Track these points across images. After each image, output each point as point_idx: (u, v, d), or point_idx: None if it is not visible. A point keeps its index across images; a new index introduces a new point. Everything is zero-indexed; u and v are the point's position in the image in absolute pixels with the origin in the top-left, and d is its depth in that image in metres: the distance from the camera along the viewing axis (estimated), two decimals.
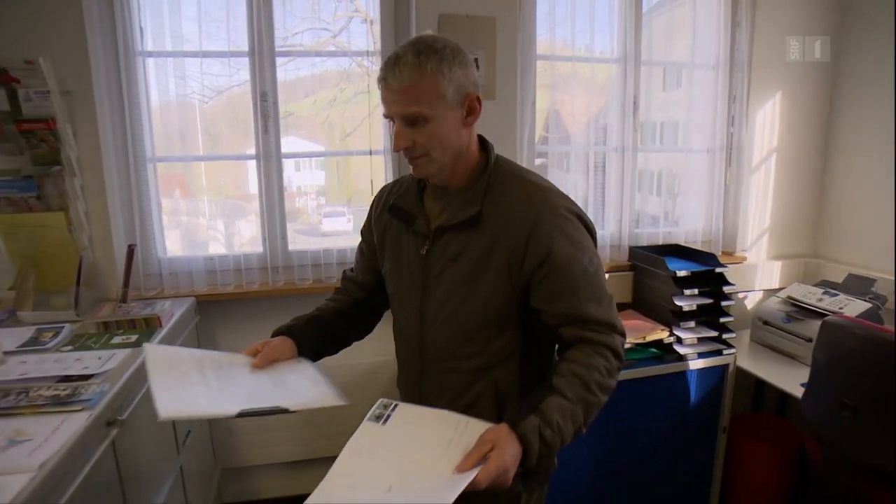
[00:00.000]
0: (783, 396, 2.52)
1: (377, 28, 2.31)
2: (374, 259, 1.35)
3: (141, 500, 1.56)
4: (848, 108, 2.64)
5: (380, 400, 1.05)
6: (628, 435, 2.21)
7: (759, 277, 2.75)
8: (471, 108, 1.11)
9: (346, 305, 1.38)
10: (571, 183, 2.63)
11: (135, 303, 2.01)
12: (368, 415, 1.02)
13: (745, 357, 2.35)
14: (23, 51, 1.87)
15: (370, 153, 2.33)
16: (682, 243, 2.62)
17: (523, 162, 2.38)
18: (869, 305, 2.16)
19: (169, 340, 1.83)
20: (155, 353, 1.12)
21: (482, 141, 1.22)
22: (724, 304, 2.28)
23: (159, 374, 1.04)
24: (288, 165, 2.39)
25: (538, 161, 2.52)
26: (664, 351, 2.24)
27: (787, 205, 2.76)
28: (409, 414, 1.03)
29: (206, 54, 2.14)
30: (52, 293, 1.97)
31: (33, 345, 1.67)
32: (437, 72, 1.04)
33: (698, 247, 2.62)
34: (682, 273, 2.26)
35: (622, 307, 2.52)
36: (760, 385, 2.56)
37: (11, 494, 0.96)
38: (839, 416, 1.74)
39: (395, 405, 1.04)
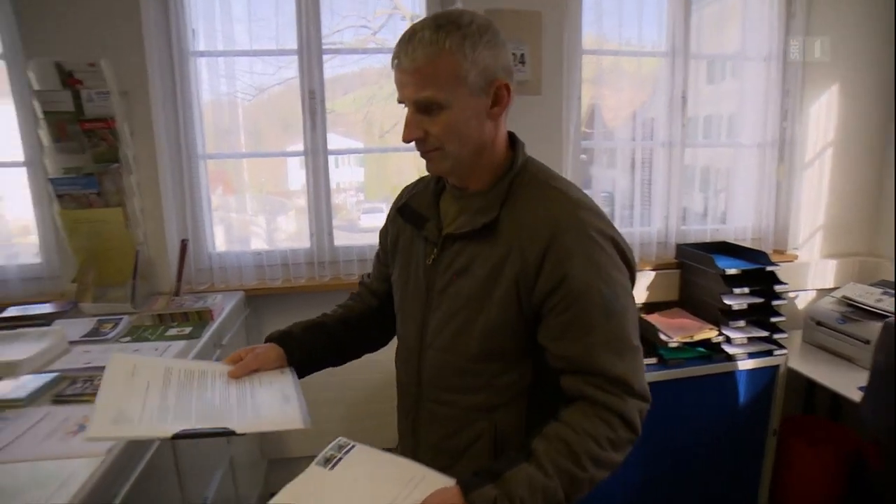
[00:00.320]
0: (836, 399, 2.44)
1: None
2: (388, 265, 1.21)
3: (194, 489, 1.61)
4: None
5: (337, 439, 0.95)
6: (674, 435, 2.17)
7: (811, 276, 2.66)
8: (498, 98, 0.94)
9: (355, 313, 1.26)
10: (611, 179, 2.59)
11: (187, 296, 2.07)
12: (318, 456, 0.91)
13: (796, 358, 2.28)
14: (86, 54, 1.94)
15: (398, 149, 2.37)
16: (731, 241, 2.56)
17: (568, 159, 2.36)
18: None
19: (220, 333, 1.89)
20: (117, 364, 1.03)
21: (512, 138, 1.05)
22: (775, 303, 2.22)
23: (111, 387, 0.97)
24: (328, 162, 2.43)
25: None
26: (712, 350, 2.19)
27: (843, 201, 2.66)
28: (363, 459, 0.92)
29: (255, 53, 2.20)
30: (110, 286, 2.04)
31: (95, 335, 1.74)
32: (457, 50, 0.88)
33: (748, 244, 2.55)
34: (731, 271, 2.21)
35: (668, 305, 2.48)
36: (812, 387, 2.49)
37: (83, 478, 1.00)
38: None
39: (352, 447, 0.93)
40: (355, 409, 2.43)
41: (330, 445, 0.93)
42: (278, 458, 2.46)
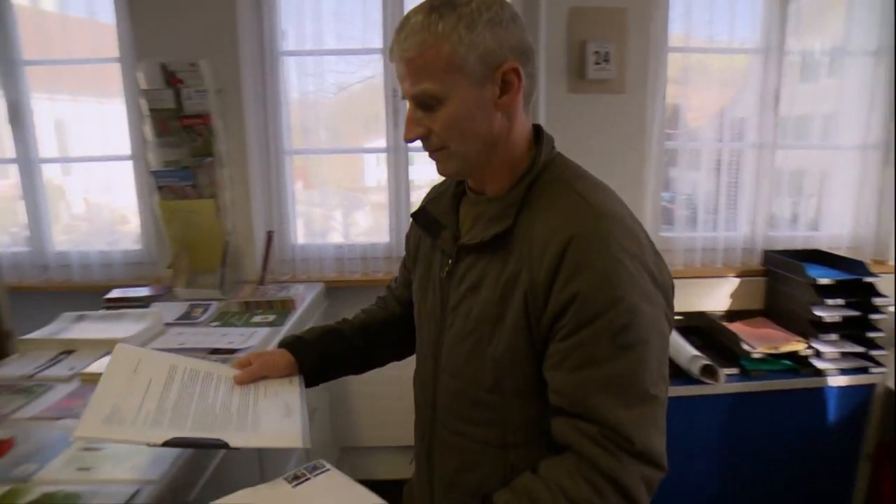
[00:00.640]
0: None
1: None
2: (411, 271, 1.10)
3: (272, 471, 1.69)
4: None
5: (316, 461, 0.91)
6: (751, 452, 2.07)
7: None
8: (506, 84, 0.81)
9: (377, 320, 1.19)
10: (692, 182, 2.49)
11: (271, 285, 2.17)
12: (288, 473, 0.88)
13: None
14: (187, 55, 2.07)
15: None
16: (825, 249, 2.41)
17: (651, 161, 2.30)
18: None
19: (301, 323, 1.96)
20: (122, 356, 1.00)
21: (539, 133, 0.91)
22: (872, 317, 2.07)
23: (111, 381, 0.93)
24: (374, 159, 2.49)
25: None
26: (799, 364, 2.07)
27: None
28: (329, 485, 0.87)
29: (341, 52, 2.27)
30: (201, 273, 2.17)
31: (187, 319, 1.86)
32: (451, 34, 0.77)
33: (843, 253, 2.39)
34: (823, 281, 2.08)
35: (752, 314, 2.37)
36: None
37: (176, 454, 1.04)
38: None
39: (325, 470, 0.89)
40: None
41: (307, 464, 0.90)
42: (351, 447, 2.54)
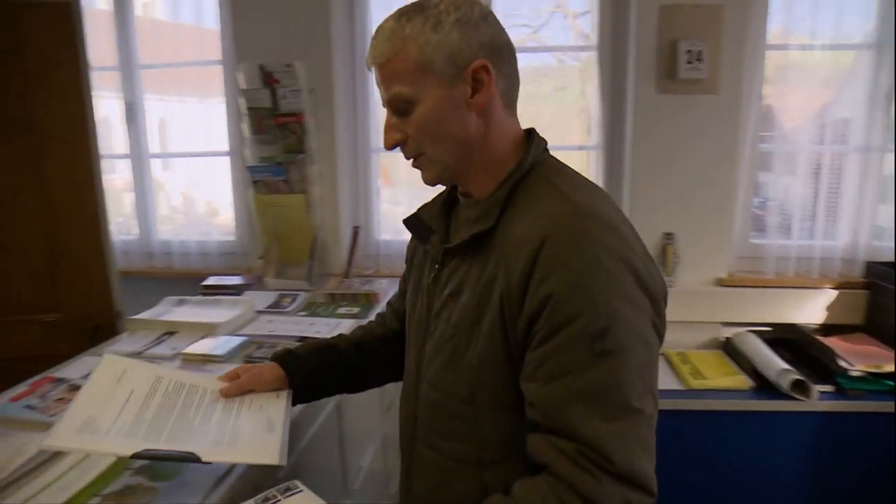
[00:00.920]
0: None
1: (581, 21, 2.30)
2: (407, 280, 1.07)
3: (351, 459, 1.75)
4: None
5: (291, 481, 0.87)
6: (842, 475, 1.94)
7: None
8: (477, 83, 0.79)
9: (374, 337, 1.14)
10: (784, 187, 2.36)
11: (356, 279, 2.25)
12: (262, 493, 0.84)
13: None
14: (283, 56, 2.18)
15: (581, 148, 2.35)
16: None
17: (744, 164, 2.21)
18: None
19: None
20: (107, 366, 1.00)
21: (530, 136, 0.87)
22: None
23: (92, 390, 0.94)
24: None
25: None
26: None
27: None
28: None
29: None
30: (290, 265, 2.28)
31: (276, 307, 1.96)
32: (418, 35, 0.76)
33: None
34: None
35: (851, 329, 2.22)
36: None
37: None
38: None
39: (298, 492, 0.84)
40: None
41: (281, 485, 0.86)
42: None
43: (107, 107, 2.47)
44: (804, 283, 2.26)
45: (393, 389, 1.11)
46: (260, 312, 1.91)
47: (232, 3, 2.23)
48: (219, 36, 2.33)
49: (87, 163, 1.97)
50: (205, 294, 2.09)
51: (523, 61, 2.70)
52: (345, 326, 1.78)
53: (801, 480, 1.96)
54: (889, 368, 1.93)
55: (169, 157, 2.67)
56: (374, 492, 1.96)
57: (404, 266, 1.10)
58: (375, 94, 2.36)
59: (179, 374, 1.06)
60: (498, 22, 0.82)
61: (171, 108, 2.58)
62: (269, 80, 2.17)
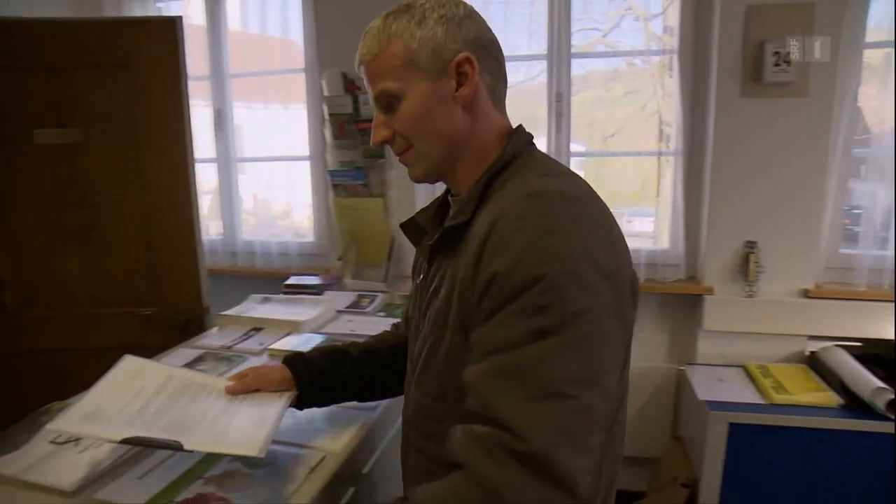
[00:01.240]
0: None
1: (653, 24, 2.27)
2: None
3: None
4: None
5: None
6: None
7: None
8: (462, 76, 0.79)
9: (387, 346, 1.12)
10: (869, 194, 2.22)
11: None
12: None
13: None
14: None
15: (661, 154, 2.32)
16: None
17: (834, 171, 2.11)
18: None
19: None
20: (126, 365, 1.07)
21: (519, 133, 0.86)
22: None
23: (106, 385, 1.01)
24: None
25: None
26: None
27: None
28: None
29: (507, 59, 2.32)
30: (367, 266, 2.35)
31: (355, 307, 2.03)
32: (403, 32, 0.79)
33: None
34: None
35: None
36: None
37: (349, 436, 1.13)
38: None
39: None
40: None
41: None
42: None
43: (197, 114, 2.62)
44: None
45: None
46: (340, 312, 1.97)
47: (315, 15, 2.33)
48: (302, 46, 2.43)
49: (183, 167, 2.09)
50: (286, 293, 2.18)
51: (591, 65, 2.65)
52: None
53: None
54: None
55: (253, 161, 2.80)
56: None
57: None
58: None
59: (190, 374, 1.12)
60: (482, 20, 0.84)
61: (256, 114, 2.71)
62: (350, 86, 2.25)
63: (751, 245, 2.17)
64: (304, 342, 1.62)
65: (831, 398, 1.91)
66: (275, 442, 0.96)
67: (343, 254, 2.34)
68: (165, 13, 2.67)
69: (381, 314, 1.97)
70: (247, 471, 1.00)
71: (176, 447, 0.89)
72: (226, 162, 2.67)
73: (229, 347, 1.63)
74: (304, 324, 1.77)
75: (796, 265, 2.17)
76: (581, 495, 0.61)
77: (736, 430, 1.90)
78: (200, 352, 1.58)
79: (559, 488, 0.60)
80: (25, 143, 2.01)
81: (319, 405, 1.11)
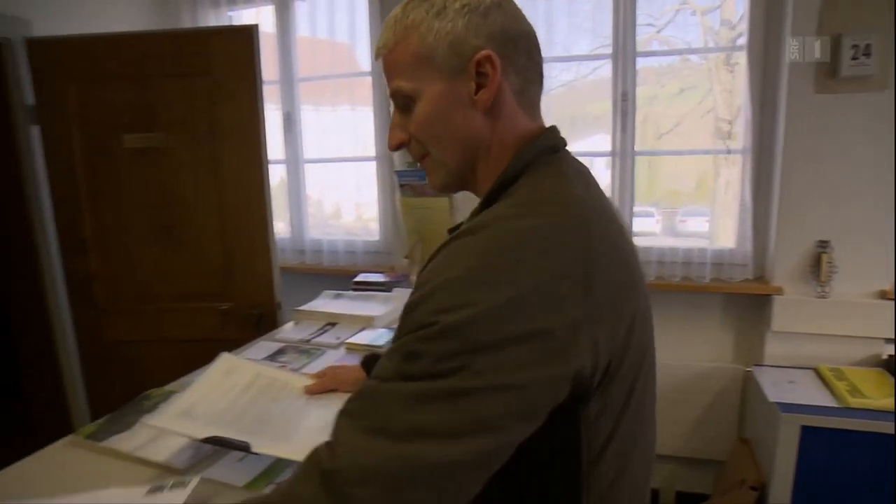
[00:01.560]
0: None
1: (709, 18, 2.24)
2: None
3: None
4: None
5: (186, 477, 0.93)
6: None
7: None
8: (482, 77, 0.69)
9: None
10: None
11: None
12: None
13: None
14: None
15: (729, 152, 2.28)
16: None
17: None
18: None
19: None
20: (221, 363, 1.14)
21: (534, 142, 0.74)
22: None
23: (203, 384, 1.07)
24: (598, 163, 2.44)
25: None
26: None
27: None
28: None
29: (572, 58, 2.35)
30: None
31: None
32: (420, 24, 0.69)
33: None
34: None
35: None
36: None
37: None
38: None
39: (182, 485, 0.89)
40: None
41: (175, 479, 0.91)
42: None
43: (268, 117, 2.73)
44: None
45: None
46: None
47: (381, 20, 2.39)
48: (368, 50, 2.50)
49: (257, 168, 2.19)
50: (355, 290, 2.26)
51: (646, 62, 2.62)
52: None
53: None
54: None
55: (320, 161, 2.89)
56: None
57: None
58: None
59: (275, 372, 1.19)
60: (516, 10, 0.73)
61: (324, 116, 2.80)
62: None
63: (823, 244, 2.12)
64: (378, 337, 1.68)
65: None
66: None
67: (409, 252, 2.40)
68: (237, 21, 2.78)
69: None
70: None
71: (244, 448, 0.94)
72: (294, 163, 2.78)
73: (308, 341, 1.71)
74: (378, 319, 1.83)
75: (871, 265, 2.10)
76: None
77: (808, 434, 1.86)
78: (281, 345, 1.67)
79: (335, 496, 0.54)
80: (117, 148, 2.15)
81: None
